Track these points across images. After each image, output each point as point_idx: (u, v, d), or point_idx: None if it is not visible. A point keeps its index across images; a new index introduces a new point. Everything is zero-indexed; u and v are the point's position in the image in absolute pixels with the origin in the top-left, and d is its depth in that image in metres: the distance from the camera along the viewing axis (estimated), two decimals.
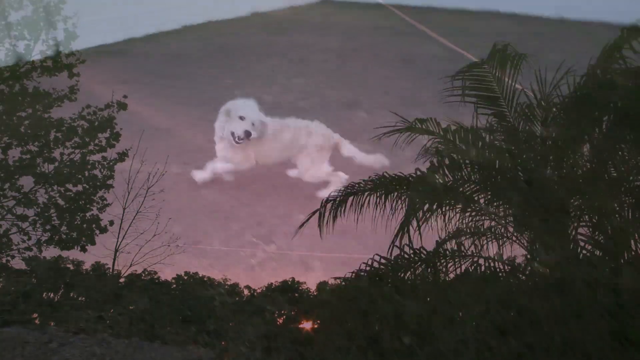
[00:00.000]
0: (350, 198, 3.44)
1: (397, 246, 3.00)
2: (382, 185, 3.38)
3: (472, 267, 3.11)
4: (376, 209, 3.36)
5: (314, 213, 3.49)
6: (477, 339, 2.97)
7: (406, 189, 3.31)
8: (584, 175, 3.25)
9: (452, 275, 3.18)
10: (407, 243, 3.00)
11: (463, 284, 3.07)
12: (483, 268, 3.09)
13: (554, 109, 3.06)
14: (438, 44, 9.63)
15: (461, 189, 3.24)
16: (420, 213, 2.93)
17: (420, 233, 2.94)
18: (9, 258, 5.85)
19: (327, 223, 3.44)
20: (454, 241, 3.23)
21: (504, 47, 3.40)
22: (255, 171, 7.12)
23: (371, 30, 11.37)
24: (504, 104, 3.36)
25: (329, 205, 3.47)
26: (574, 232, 3.24)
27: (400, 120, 3.83)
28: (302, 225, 3.57)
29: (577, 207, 3.22)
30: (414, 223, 2.96)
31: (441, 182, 3.03)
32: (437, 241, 3.18)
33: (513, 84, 3.25)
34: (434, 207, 2.92)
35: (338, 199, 3.44)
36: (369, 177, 3.43)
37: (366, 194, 3.39)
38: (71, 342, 5.43)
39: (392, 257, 3.10)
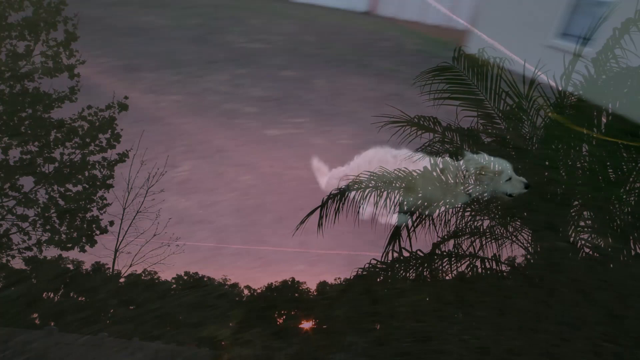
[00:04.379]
0: (352, 194, 3.39)
1: (395, 251, 2.99)
2: (383, 182, 3.33)
3: (469, 268, 3.10)
4: (376, 207, 3.31)
5: (314, 210, 3.44)
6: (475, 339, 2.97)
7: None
8: (583, 176, 3.24)
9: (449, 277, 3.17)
10: (403, 247, 3.00)
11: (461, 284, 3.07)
12: (480, 269, 3.09)
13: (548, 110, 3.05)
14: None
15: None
16: (415, 215, 2.92)
17: (409, 237, 2.94)
18: (9, 258, 5.87)
19: (327, 220, 3.39)
20: (451, 242, 3.22)
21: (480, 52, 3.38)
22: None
23: None
24: (490, 106, 3.33)
25: (330, 202, 3.42)
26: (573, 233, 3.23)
27: (399, 114, 3.75)
28: (303, 221, 3.52)
29: (577, 207, 3.22)
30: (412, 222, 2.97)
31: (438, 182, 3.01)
32: (433, 243, 3.17)
33: (498, 85, 3.22)
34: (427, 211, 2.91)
35: (339, 196, 3.39)
36: (371, 173, 3.39)
37: (367, 190, 3.34)
38: (71, 341, 5.43)
39: (389, 260, 3.09)
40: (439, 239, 3.18)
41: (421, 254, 3.15)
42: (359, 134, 8.28)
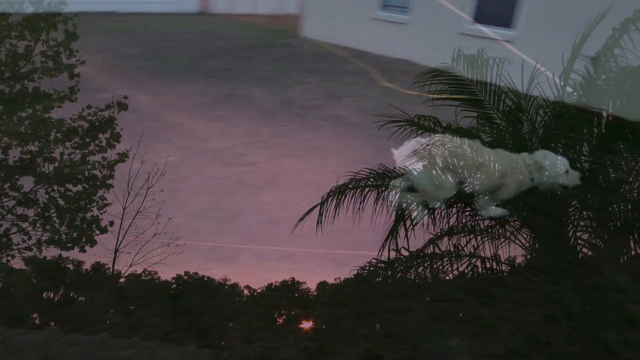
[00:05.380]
0: (351, 192, 3.39)
1: (394, 250, 3.01)
2: (383, 181, 3.33)
3: (469, 268, 3.11)
4: (376, 204, 3.31)
5: (314, 207, 3.44)
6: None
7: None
8: (582, 176, 3.24)
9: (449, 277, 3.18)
10: (403, 246, 3.01)
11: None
12: (480, 269, 3.10)
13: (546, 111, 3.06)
14: None
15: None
16: (414, 214, 2.93)
17: (407, 236, 2.96)
18: (9, 258, 5.87)
19: (327, 218, 3.39)
20: (450, 242, 3.23)
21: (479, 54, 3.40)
22: None
23: None
24: (489, 107, 3.35)
25: (329, 200, 3.42)
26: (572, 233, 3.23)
27: (399, 113, 3.78)
28: (302, 218, 3.52)
29: (576, 207, 3.22)
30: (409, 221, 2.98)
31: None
32: (429, 239, 3.19)
33: (497, 86, 3.25)
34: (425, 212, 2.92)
35: (339, 194, 3.39)
36: (371, 171, 3.39)
37: (367, 189, 3.35)
38: (71, 342, 5.43)
39: (388, 259, 3.10)
40: (433, 236, 3.19)
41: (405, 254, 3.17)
42: (186, 147, 7.70)
